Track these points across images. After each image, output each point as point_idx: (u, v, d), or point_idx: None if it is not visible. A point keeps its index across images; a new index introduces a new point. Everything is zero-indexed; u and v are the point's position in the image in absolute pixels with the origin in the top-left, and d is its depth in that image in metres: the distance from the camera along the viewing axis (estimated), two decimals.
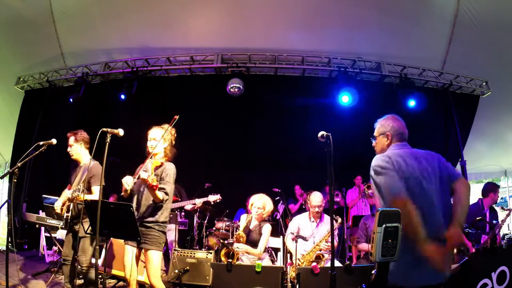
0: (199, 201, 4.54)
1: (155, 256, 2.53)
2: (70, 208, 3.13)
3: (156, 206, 2.58)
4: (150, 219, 2.56)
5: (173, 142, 2.80)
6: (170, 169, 2.66)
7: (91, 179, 3.14)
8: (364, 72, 6.01)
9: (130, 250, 2.61)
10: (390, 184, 1.77)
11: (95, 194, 3.10)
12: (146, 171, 2.52)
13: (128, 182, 2.52)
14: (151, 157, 2.68)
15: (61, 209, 3.22)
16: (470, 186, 1.94)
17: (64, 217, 3.16)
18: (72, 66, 6.51)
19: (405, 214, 1.57)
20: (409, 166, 1.83)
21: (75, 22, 5.77)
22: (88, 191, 3.12)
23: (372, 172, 1.86)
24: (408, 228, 1.62)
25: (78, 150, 3.30)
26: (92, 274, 3.05)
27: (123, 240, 2.77)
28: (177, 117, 2.63)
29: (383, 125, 2.07)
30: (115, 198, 5.95)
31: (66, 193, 3.19)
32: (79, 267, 3.04)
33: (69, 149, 3.32)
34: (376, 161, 1.86)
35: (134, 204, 2.61)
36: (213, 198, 4.50)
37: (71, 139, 3.30)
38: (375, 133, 2.13)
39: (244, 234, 3.67)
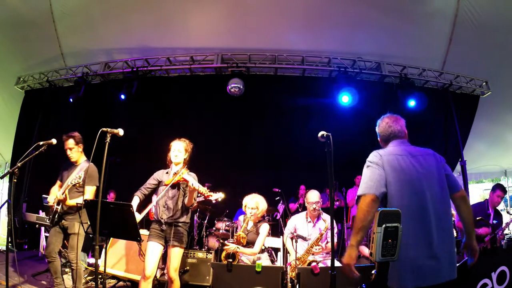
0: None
1: (179, 252, 2.91)
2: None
3: (185, 208, 2.98)
4: (181, 220, 2.96)
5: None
6: (195, 177, 3.08)
7: (86, 179, 3.19)
8: (364, 72, 6.01)
9: (156, 247, 2.86)
10: (370, 178, 1.84)
11: (87, 193, 3.17)
12: (195, 179, 2.93)
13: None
14: (176, 166, 3.11)
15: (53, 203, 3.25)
16: (467, 198, 2.03)
17: (54, 209, 3.17)
18: (72, 66, 6.51)
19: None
20: (404, 165, 1.86)
21: (75, 22, 5.77)
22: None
23: (365, 165, 1.95)
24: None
25: (78, 151, 3.35)
26: (81, 269, 3.20)
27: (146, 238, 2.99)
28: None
29: (379, 125, 2.16)
30: (114, 194, 5.95)
31: (56, 191, 3.29)
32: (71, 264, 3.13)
33: (69, 152, 3.32)
34: (370, 156, 1.96)
35: (164, 207, 2.94)
36: (216, 196, 4.43)
37: (71, 142, 3.30)
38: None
39: (244, 234, 3.66)
